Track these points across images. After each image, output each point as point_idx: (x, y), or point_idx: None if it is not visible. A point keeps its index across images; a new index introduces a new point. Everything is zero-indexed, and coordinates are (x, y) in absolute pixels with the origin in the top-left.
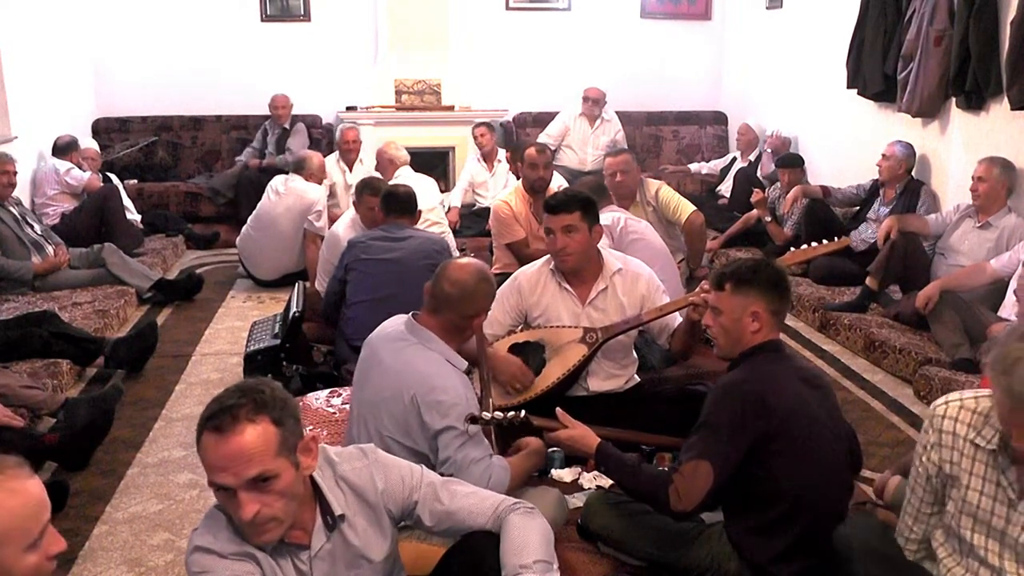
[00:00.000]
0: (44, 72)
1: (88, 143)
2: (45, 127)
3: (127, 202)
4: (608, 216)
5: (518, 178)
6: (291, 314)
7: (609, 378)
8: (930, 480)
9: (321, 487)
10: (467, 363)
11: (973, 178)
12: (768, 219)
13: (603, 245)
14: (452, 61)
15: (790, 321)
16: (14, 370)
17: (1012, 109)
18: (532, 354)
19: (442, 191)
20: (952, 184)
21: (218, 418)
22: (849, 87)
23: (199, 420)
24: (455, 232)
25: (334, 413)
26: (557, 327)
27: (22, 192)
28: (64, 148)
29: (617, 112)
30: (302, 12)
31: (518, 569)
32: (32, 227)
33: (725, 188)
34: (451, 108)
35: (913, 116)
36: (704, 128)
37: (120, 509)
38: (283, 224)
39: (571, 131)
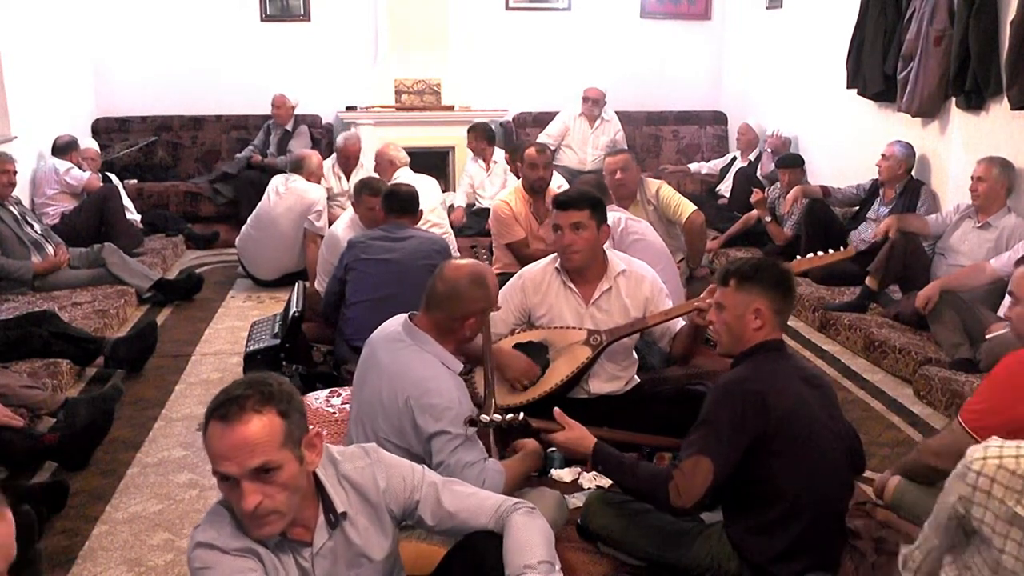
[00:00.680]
0: (44, 72)
1: (88, 143)
2: (45, 127)
3: (127, 202)
4: (609, 216)
5: (518, 177)
6: (291, 314)
7: (610, 380)
8: (958, 528)
9: (324, 484)
10: (464, 364)
11: (972, 178)
12: (768, 219)
13: (606, 246)
14: (452, 61)
15: (790, 321)
16: (14, 370)
17: (1012, 109)
18: (536, 355)
19: (443, 191)
20: (952, 184)
21: (225, 407)
22: (849, 87)
23: (207, 410)
24: (458, 232)
25: (334, 413)
26: (561, 328)
27: (22, 192)
28: (64, 148)
29: (617, 112)
30: (302, 12)
31: (522, 569)
32: (32, 227)
33: (725, 188)
34: (451, 108)
35: (913, 116)
36: (704, 128)
37: (120, 509)
38: (283, 224)
39: (571, 131)
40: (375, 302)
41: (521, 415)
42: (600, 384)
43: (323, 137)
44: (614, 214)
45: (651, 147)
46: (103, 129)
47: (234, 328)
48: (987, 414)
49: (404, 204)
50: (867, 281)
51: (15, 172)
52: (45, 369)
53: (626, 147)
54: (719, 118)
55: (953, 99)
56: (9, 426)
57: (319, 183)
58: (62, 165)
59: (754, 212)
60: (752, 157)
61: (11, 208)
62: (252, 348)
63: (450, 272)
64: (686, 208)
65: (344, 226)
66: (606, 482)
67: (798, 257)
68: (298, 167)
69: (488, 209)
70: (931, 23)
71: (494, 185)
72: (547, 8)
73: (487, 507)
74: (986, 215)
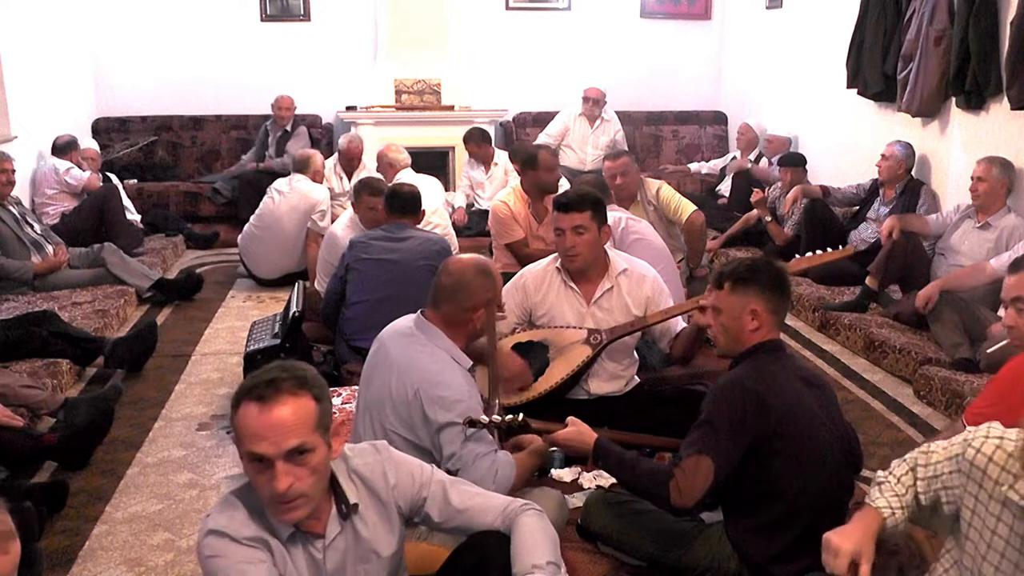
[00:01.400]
0: (44, 72)
1: (88, 143)
2: (45, 127)
3: (127, 202)
4: (609, 216)
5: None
6: (291, 314)
7: (611, 380)
8: (945, 489)
9: (336, 476)
10: (472, 362)
11: (972, 178)
12: (768, 219)
13: (607, 245)
14: (452, 61)
15: (790, 321)
16: (14, 370)
17: (1012, 109)
18: (536, 354)
19: (445, 190)
20: (952, 184)
21: (262, 389)
22: (849, 87)
23: (237, 392)
24: (459, 232)
25: (334, 413)
26: (561, 328)
27: (22, 192)
28: (64, 148)
29: (617, 112)
30: (302, 12)
31: (531, 568)
32: (32, 227)
33: (724, 188)
34: (451, 108)
35: (913, 116)
36: (704, 128)
37: (120, 509)
38: (286, 223)
39: (571, 131)
40: (375, 302)
41: (521, 415)
42: (600, 384)
43: (323, 137)
44: (614, 214)
45: (651, 147)
46: (103, 129)
47: (234, 328)
48: (992, 417)
49: (406, 204)
50: (867, 281)
51: (14, 171)
52: (45, 369)
53: (626, 147)
54: (719, 118)
55: (953, 99)
56: (9, 426)
57: (323, 183)
58: (62, 165)
59: (754, 212)
60: (752, 157)
61: (11, 208)
62: (252, 348)
63: (455, 265)
64: (686, 208)
65: (344, 226)
66: (606, 482)
67: (796, 256)
68: (303, 167)
69: (487, 210)
70: (931, 23)
71: (493, 187)
72: (547, 8)
73: (494, 506)
74: (986, 215)
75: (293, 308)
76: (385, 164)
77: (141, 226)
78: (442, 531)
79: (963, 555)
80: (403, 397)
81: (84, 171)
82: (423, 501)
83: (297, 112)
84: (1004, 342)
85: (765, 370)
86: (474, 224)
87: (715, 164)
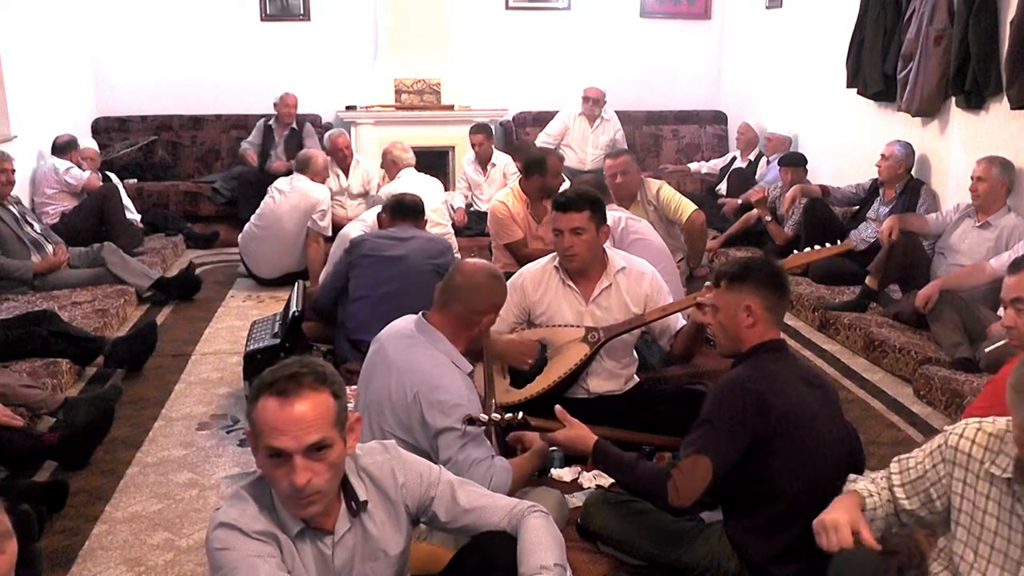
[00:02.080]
0: (44, 72)
1: (87, 142)
2: (45, 126)
3: (127, 201)
4: (609, 216)
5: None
6: (291, 313)
7: (610, 378)
8: (933, 484)
9: (346, 473)
10: (472, 366)
11: (972, 178)
12: (768, 219)
13: (606, 244)
14: (452, 61)
15: (790, 321)
16: (14, 369)
17: (1012, 109)
18: None
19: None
20: (952, 183)
21: (283, 383)
22: (849, 87)
23: (255, 386)
24: (458, 232)
25: None
26: (559, 326)
27: (22, 191)
28: (63, 147)
29: (617, 112)
30: (302, 11)
31: (538, 569)
32: (32, 226)
33: (724, 187)
34: (451, 108)
35: (913, 116)
36: (704, 128)
37: (120, 508)
38: (287, 223)
39: (571, 130)
40: (378, 298)
41: (520, 414)
42: (600, 382)
43: (323, 137)
44: (614, 213)
45: (651, 147)
46: (103, 129)
47: (234, 328)
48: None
49: (408, 212)
50: (867, 280)
51: (13, 171)
52: (45, 369)
53: (626, 146)
54: (719, 118)
55: (953, 99)
56: (9, 426)
57: (324, 183)
58: (62, 164)
59: (754, 212)
60: (752, 157)
61: (11, 208)
62: (252, 348)
63: (469, 267)
64: (687, 208)
65: (359, 230)
66: (606, 482)
67: (795, 252)
68: (304, 167)
69: (485, 211)
70: (931, 23)
71: (491, 188)
72: (547, 8)
73: (501, 507)
74: (986, 214)
75: (293, 308)
76: (389, 161)
77: (141, 226)
78: (448, 531)
79: (954, 542)
80: (402, 399)
81: (84, 171)
82: (431, 501)
83: (297, 112)
84: (1003, 342)
85: (766, 370)
86: (473, 224)
87: (715, 164)
